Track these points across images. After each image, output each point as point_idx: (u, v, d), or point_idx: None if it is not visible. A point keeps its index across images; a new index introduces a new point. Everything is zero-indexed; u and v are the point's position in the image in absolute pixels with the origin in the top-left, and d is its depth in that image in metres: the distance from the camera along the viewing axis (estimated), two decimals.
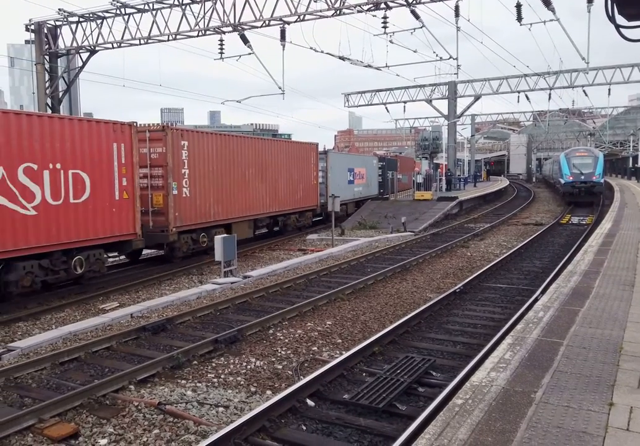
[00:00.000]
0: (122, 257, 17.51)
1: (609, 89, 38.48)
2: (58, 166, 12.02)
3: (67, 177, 12.22)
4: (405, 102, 43.74)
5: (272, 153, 21.00)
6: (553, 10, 19.20)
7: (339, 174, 27.74)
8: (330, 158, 26.72)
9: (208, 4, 21.44)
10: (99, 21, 23.62)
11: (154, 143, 15.40)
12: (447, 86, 41.84)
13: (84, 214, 12.57)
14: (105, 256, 13.74)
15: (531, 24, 20.68)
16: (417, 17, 19.86)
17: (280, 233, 22.87)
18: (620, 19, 5.24)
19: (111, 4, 22.37)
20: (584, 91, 38.87)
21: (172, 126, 16.91)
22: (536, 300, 9.31)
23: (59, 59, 25.63)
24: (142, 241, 14.52)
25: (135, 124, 14.11)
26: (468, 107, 43.68)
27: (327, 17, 20.62)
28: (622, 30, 5.37)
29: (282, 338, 9.27)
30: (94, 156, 12.85)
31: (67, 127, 12.17)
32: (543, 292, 9.90)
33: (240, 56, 22.25)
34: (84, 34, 24.17)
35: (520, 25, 20.10)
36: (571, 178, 34.34)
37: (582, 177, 33.98)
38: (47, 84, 25.18)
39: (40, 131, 11.58)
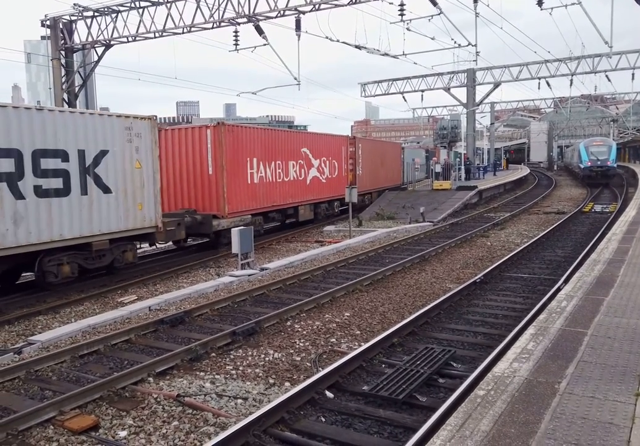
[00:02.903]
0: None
1: (633, 74, 37.48)
2: (330, 158, 24.27)
3: (333, 164, 24.62)
4: (422, 91, 43.20)
5: (384, 149, 33.05)
6: None
7: (408, 162, 39.02)
8: (405, 151, 39.64)
9: None
10: (113, 15, 23.67)
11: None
12: (465, 74, 41.23)
13: (335, 183, 24.62)
14: (337, 205, 25.41)
15: (552, 8, 20.27)
16: (434, 3, 19.56)
17: None
18: None
19: None
20: (606, 76, 38.01)
21: (353, 136, 28.32)
22: (559, 290, 9.11)
23: (74, 54, 25.75)
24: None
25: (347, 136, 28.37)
26: (487, 95, 42.97)
27: (342, 5, 20.39)
28: None
29: (300, 329, 9.22)
30: (337, 153, 25.15)
31: (329, 139, 24.73)
32: (566, 281, 9.71)
33: (255, 47, 22.18)
34: (99, 28, 24.24)
35: (541, 9, 19.68)
36: (589, 164, 41.22)
37: (599, 162, 40.87)
38: (63, 79, 25.33)
39: (325, 141, 24.13)
